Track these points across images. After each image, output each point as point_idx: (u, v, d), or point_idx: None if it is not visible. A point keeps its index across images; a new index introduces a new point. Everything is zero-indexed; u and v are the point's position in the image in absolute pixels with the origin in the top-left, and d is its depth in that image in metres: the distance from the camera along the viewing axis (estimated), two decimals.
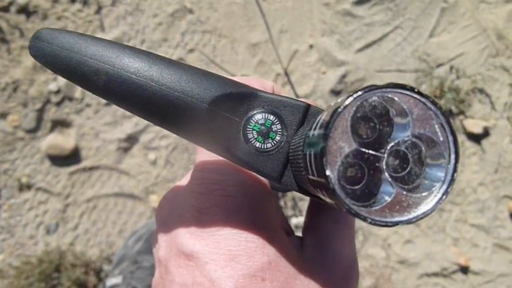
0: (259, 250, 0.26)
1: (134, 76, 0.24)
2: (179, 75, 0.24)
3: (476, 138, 1.35)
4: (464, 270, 1.28)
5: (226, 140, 0.24)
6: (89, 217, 1.23)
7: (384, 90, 0.18)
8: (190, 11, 1.31)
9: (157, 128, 1.26)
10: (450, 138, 0.19)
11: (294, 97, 1.30)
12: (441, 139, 0.19)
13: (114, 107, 1.26)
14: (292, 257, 0.27)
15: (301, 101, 0.24)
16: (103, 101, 1.25)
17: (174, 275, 0.27)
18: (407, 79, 1.35)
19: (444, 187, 0.19)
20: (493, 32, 1.41)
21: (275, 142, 0.24)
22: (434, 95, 1.35)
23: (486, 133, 1.35)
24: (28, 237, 1.21)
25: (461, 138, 1.35)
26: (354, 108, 0.19)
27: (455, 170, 0.19)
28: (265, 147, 0.24)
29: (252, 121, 0.24)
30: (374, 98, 0.19)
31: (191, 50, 1.30)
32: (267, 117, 0.24)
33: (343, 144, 0.19)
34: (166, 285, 0.28)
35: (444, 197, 0.19)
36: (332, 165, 0.19)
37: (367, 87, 0.19)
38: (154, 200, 1.23)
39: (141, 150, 1.25)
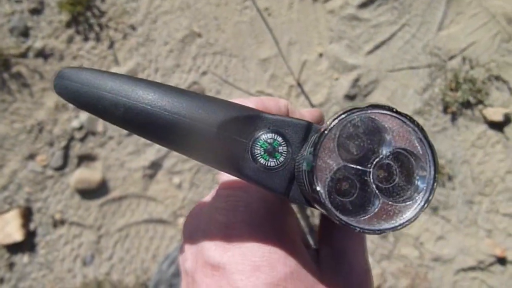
0: (281, 261, 0.28)
1: (149, 107, 0.26)
2: (189, 103, 0.26)
3: (498, 126, 1.33)
4: (502, 261, 1.26)
5: (235, 160, 0.26)
6: (123, 245, 1.26)
7: (364, 111, 0.21)
8: (199, 35, 1.34)
9: None
10: (429, 151, 0.20)
11: (310, 107, 1.32)
12: (421, 152, 0.21)
13: (135, 136, 1.29)
14: (311, 268, 0.29)
15: (303, 120, 0.26)
16: (125, 132, 1.29)
17: (201, 285, 0.29)
18: (421, 75, 1.35)
19: (426, 196, 0.21)
20: (502, 17, 1.39)
21: (281, 160, 0.26)
22: (450, 88, 1.34)
23: (507, 120, 1.33)
24: (66, 270, 1.25)
25: (483, 127, 1.33)
26: (339, 129, 0.21)
27: (434, 180, 0.21)
28: (272, 164, 0.26)
29: (258, 141, 0.26)
30: (357, 118, 0.21)
31: (204, 73, 1.33)
32: (272, 136, 0.26)
33: (331, 162, 0.21)
34: None
35: (425, 205, 0.21)
36: (322, 181, 0.21)
37: (349, 109, 0.21)
38: (183, 222, 1.26)
39: (165, 175, 1.28)
